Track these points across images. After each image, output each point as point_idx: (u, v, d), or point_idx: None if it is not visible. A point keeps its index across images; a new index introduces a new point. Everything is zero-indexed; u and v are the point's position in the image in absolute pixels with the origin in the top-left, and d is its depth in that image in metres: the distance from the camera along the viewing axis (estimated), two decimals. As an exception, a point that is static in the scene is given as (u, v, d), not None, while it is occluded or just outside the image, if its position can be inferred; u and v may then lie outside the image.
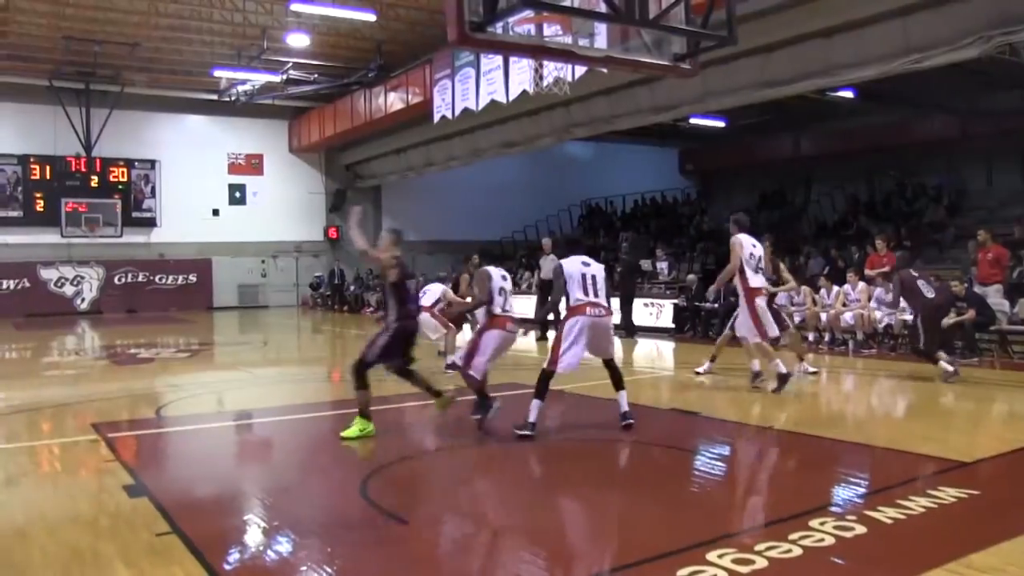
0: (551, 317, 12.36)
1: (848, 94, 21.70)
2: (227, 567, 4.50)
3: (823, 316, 15.03)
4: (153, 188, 30.27)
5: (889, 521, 4.93)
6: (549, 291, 17.13)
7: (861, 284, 14.58)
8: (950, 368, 10.30)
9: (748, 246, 9.63)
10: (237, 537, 5.09)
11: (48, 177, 28.67)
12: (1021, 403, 9.74)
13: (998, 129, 23.20)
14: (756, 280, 9.60)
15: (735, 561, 4.26)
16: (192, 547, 4.70)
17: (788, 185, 29.82)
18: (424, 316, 12.18)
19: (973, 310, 12.30)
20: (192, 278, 30.91)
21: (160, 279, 30.27)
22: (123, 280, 29.99)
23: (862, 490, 5.96)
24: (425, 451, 7.80)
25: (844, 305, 14.74)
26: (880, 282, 14.13)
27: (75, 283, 29.46)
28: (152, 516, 5.34)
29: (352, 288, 31.00)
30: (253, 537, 5.12)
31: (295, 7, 21.21)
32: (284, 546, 4.94)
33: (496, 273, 8.35)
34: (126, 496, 5.82)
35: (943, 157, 25.24)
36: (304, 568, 4.58)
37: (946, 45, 12.95)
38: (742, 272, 9.54)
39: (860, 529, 4.77)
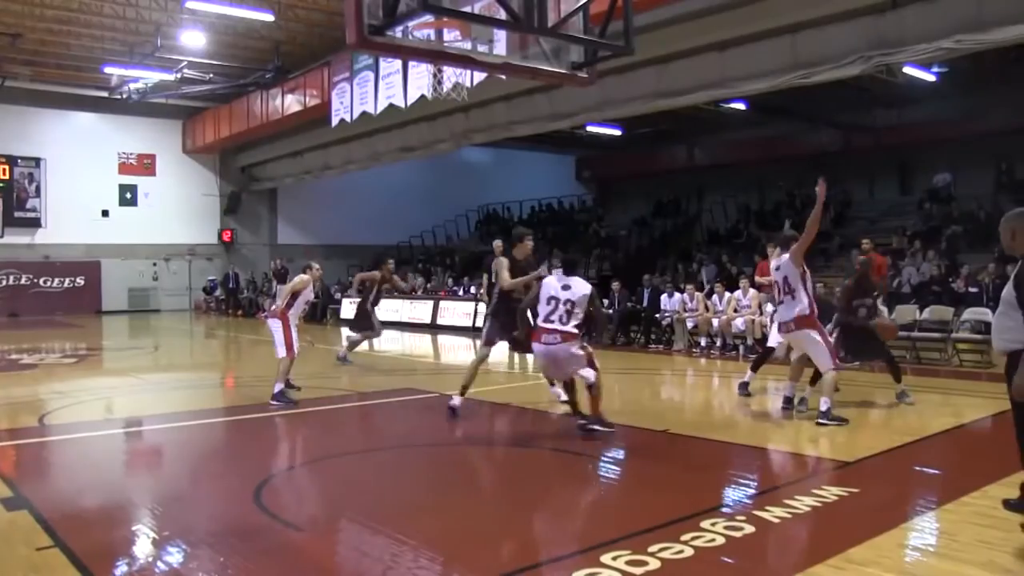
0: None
1: (740, 106, 22.37)
2: (113, 580, 4.33)
3: (715, 322, 15.41)
4: (38, 187, 29.05)
5: (776, 520, 5.11)
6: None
7: (752, 291, 14.99)
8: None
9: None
10: (125, 549, 4.92)
11: (-87, 172, 26.88)
12: (898, 405, 10.17)
13: (878, 144, 24.36)
14: None
15: (629, 563, 4.35)
16: (76, 561, 4.53)
17: (682, 194, 30.53)
18: None
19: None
20: (80, 281, 29.81)
21: (45, 282, 29.08)
22: (4, 283, 28.68)
23: (752, 491, 6.13)
24: (321, 457, 7.65)
25: (735, 311, 15.14)
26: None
27: (-53, 285, 27.95)
28: (32, 530, 5.10)
29: (246, 292, 30.40)
30: (142, 548, 4.94)
31: (190, 4, 20.62)
32: (175, 556, 4.79)
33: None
34: (2, 509, 5.54)
35: (829, 169, 26.17)
36: (195, 579, 4.45)
37: (831, 62, 13.69)
38: None
39: (749, 529, 4.93)
